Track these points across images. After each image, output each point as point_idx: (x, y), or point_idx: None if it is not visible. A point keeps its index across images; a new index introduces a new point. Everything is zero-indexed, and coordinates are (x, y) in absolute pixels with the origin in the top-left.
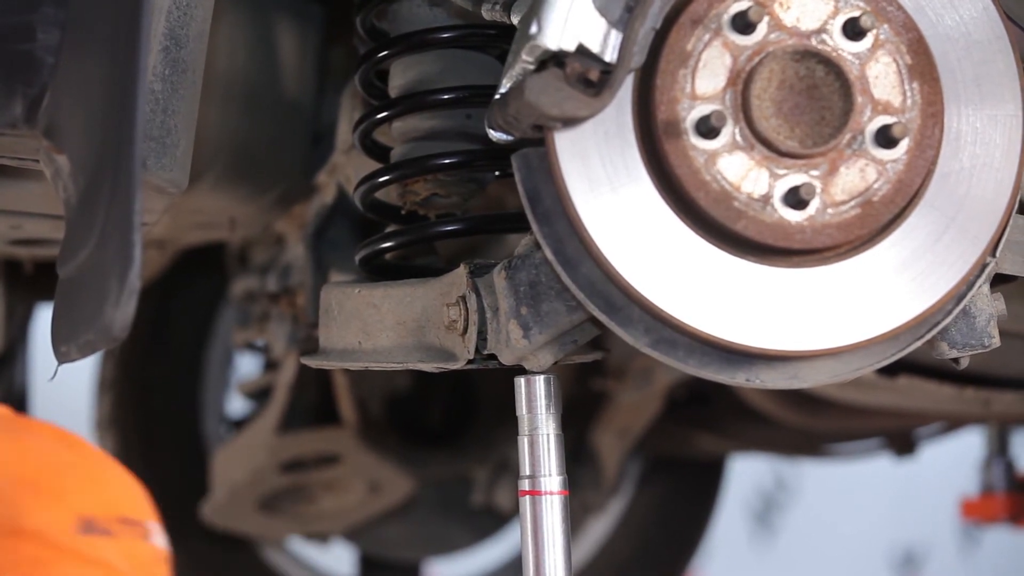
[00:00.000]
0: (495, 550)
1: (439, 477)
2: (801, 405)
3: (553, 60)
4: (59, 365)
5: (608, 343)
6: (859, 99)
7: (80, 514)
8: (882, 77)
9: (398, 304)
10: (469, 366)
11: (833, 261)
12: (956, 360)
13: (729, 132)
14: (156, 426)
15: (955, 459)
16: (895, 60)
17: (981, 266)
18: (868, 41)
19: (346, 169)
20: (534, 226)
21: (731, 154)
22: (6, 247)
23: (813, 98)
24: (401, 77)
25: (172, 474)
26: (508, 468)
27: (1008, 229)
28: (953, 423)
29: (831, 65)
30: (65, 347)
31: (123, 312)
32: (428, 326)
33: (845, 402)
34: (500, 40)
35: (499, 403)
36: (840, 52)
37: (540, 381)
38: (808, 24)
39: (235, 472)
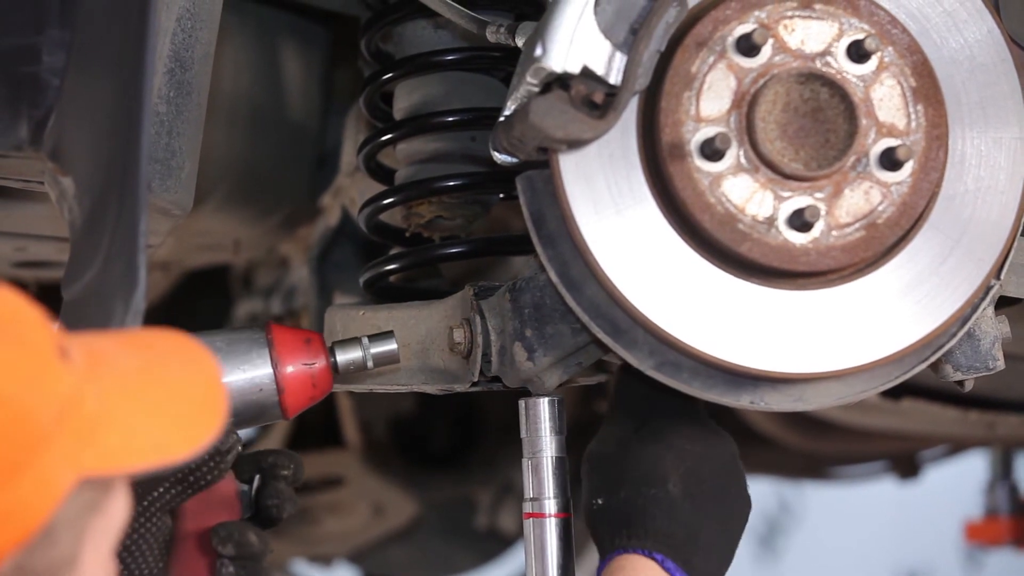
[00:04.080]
0: (499, 572)
1: (443, 500)
2: (805, 428)
3: (558, 82)
4: None
5: (612, 365)
6: (863, 121)
7: None
8: (886, 99)
9: (402, 326)
10: (474, 388)
11: (838, 283)
12: (961, 383)
13: (734, 154)
14: None
15: (959, 482)
16: (899, 82)
17: (986, 288)
18: (872, 63)
19: (350, 191)
20: (538, 248)
21: (736, 176)
22: (11, 269)
23: (818, 120)
24: (406, 99)
25: None
26: (512, 491)
27: (1012, 252)
28: (957, 446)
29: (836, 87)
30: None
31: None
32: (432, 348)
33: (849, 425)
34: (505, 62)
35: (503, 425)
36: (845, 74)
37: (544, 403)
38: (812, 46)
39: None
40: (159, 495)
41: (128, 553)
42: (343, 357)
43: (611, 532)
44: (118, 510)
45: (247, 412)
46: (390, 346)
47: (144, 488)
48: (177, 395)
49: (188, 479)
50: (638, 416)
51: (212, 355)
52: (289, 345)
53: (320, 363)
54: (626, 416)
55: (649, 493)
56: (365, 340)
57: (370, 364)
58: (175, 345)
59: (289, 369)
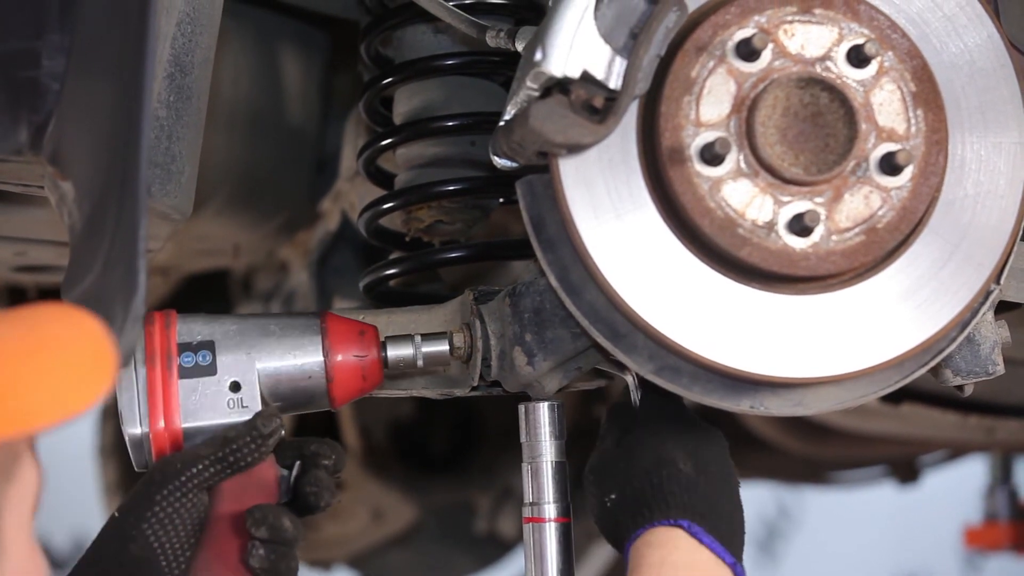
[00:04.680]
0: None
1: (443, 504)
2: (805, 433)
3: (558, 87)
4: None
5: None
6: (863, 126)
7: None
8: (886, 104)
9: (402, 331)
10: (473, 393)
11: (837, 288)
12: (960, 387)
13: (734, 159)
14: None
15: (958, 487)
16: (899, 87)
17: (985, 293)
18: (872, 68)
19: (350, 196)
20: (538, 253)
21: (736, 181)
22: (11, 274)
23: (817, 125)
24: (406, 104)
25: None
26: (512, 495)
27: (1012, 256)
28: (957, 451)
29: (835, 92)
30: None
31: (127, 338)
32: None
33: (849, 430)
34: (505, 67)
35: (503, 430)
36: (844, 79)
37: (544, 408)
38: (812, 51)
39: None
40: (197, 472)
41: (161, 527)
42: (394, 353)
43: (631, 516)
44: (31, 475)
45: (295, 398)
46: (442, 347)
47: (183, 463)
48: (63, 355)
49: (228, 459)
50: (630, 423)
51: (92, 315)
52: (342, 335)
53: (372, 356)
54: (619, 428)
55: (663, 474)
56: (418, 338)
57: (420, 363)
58: (54, 312)
59: (340, 359)
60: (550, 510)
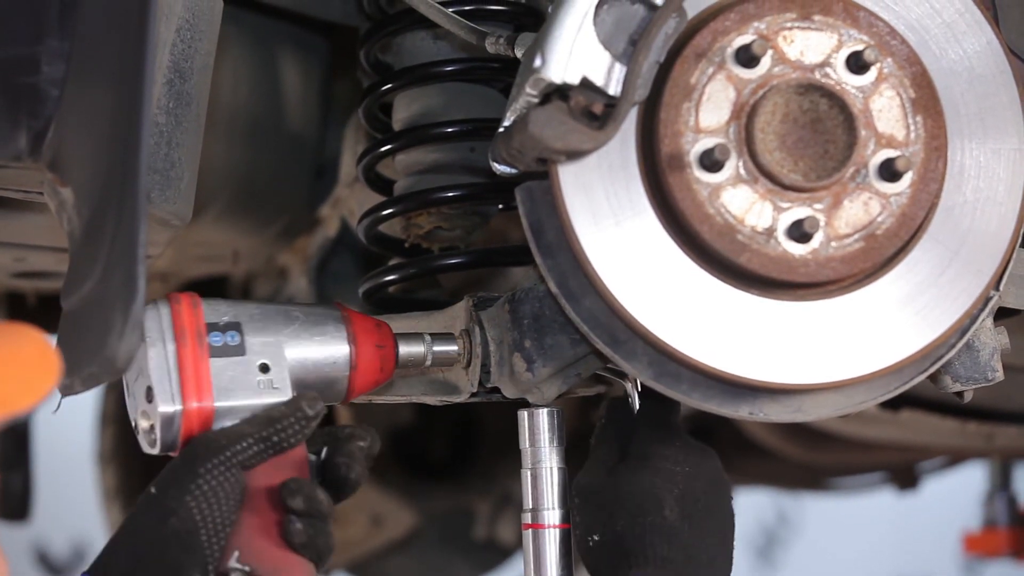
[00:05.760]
0: None
1: (442, 510)
2: (804, 439)
3: (557, 93)
4: (62, 398)
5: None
6: (863, 133)
7: None
8: (886, 111)
9: None
10: (473, 399)
11: (837, 294)
12: (960, 394)
13: (733, 165)
14: (158, 459)
15: (958, 493)
16: (899, 94)
17: (985, 300)
18: (872, 75)
19: (349, 202)
20: (538, 259)
21: (735, 187)
22: (10, 280)
23: (817, 131)
24: (405, 110)
25: None
26: (511, 501)
27: (1012, 263)
28: (956, 457)
29: (835, 98)
30: (68, 379)
31: (127, 345)
32: None
33: (848, 436)
34: (504, 73)
35: (502, 436)
36: (844, 86)
37: (543, 414)
38: (812, 58)
39: None
40: (241, 449)
41: (205, 500)
42: (405, 349)
43: (611, 568)
44: None
45: (317, 385)
46: (451, 347)
47: (228, 439)
48: (8, 361)
49: (271, 439)
50: (622, 441)
51: (36, 328)
52: (363, 325)
53: (389, 347)
54: (611, 443)
55: (646, 522)
56: (427, 337)
57: (429, 362)
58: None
59: (364, 347)
60: (550, 516)
